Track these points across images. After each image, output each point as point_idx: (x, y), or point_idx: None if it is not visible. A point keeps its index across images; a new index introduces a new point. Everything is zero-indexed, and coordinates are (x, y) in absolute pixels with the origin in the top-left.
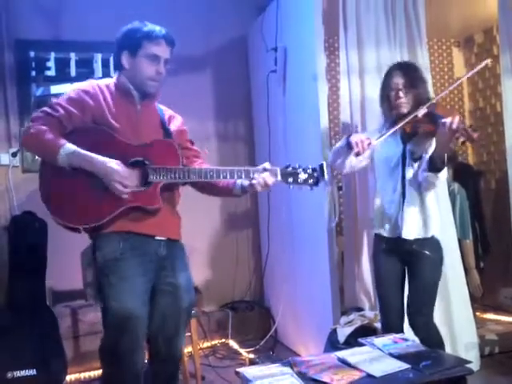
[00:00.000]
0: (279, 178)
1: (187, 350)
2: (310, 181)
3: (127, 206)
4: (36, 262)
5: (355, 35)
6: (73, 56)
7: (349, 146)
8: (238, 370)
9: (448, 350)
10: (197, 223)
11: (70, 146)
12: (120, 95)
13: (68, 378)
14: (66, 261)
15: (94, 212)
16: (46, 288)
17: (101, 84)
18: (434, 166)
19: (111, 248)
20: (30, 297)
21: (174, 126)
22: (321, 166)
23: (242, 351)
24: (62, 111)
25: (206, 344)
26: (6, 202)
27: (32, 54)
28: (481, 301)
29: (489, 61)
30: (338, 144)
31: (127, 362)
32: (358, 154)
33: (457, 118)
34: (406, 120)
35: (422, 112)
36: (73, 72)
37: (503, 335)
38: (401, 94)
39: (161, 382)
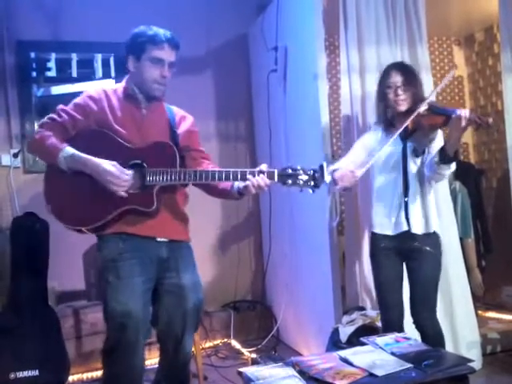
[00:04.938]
0: (276, 179)
1: None
2: (311, 183)
3: (124, 207)
4: (38, 262)
5: (355, 34)
6: (74, 56)
7: (335, 182)
8: (240, 369)
9: (450, 348)
10: (198, 223)
11: (68, 150)
12: (126, 99)
13: (70, 378)
14: (68, 261)
15: (91, 214)
16: (47, 288)
17: (108, 89)
18: (447, 157)
19: (110, 249)
20: (31, 297)
21: (183, 127)
22: (321, 167)
23: (244, 351)
24: (66, 117)
25: (208, 344)
26: (7, 203)
27: (33, 54)
28: (483, 299)
29: (454, 71)
30: (326, 179)
31: (126, 361)
32: (345, 189)
33: (467, 109)
34: (408, 121)
35: (423, 108)
36: (74, 72)
37: (505, 333)
38: (399, 91)
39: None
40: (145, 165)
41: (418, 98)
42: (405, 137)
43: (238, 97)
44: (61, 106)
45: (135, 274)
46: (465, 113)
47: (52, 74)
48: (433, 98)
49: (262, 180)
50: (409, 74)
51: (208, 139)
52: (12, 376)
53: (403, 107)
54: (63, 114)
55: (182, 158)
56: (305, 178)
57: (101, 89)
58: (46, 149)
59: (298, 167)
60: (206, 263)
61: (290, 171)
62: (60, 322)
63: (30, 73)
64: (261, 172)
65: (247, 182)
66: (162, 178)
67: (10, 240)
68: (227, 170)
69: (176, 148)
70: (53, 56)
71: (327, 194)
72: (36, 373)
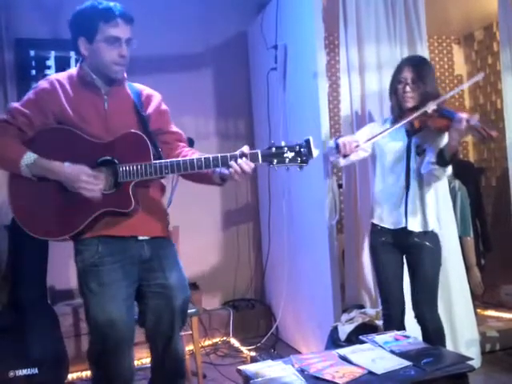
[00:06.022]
0: (261, 161)
1: (188, 348)
2: (298, 159)
3: (100, 211)
4: (37, 260)
5: (355, 32)
6: (73, 55)
7: (337, 148)
8: (239, 367)
9: (449, 346)
10: (197, 221)
11: (29, 156)
12: (84, 86)
13: (70, 376)
14: (68, 259)
15: (67, 222)
16: (47, 287)
17: (61, 78)
18: (443, 160)
19: (90, 253)
20: (31, 296)
21: (151, 108)
22: (307, 141)
23: (244, 349)
24: (20, 117)
25: (208, 342)
26: (7, 201)
27: (32, 52)
28: (482, 298)
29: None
30: (330, 144)
31: (114, 367)
32: (345, 156)
33: (476, 115)
34: (412, 117)
35: (431, 107)
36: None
37: (504, 332)
38: (408, 88)
39: (164, 381)
40: (116, 161)
41: (427, 97)
42: (411, 133)
43: (237, 95)
44: (13, 105)
45: (118, 279)
46: (468, 118)
47: (51, 72)
48: (444, 98)
49: (245, 164)
50: (421, 71)
51: (207, 137)
52: (11, 374)
53: (409, 104)
54: (17, 115)
55: (156, 147)
56: (291, 155)
57: (53, 78)
58: (4, 156)
59: (283, 143)
60: (205, 261)
61: (274, 150)
62: (59, 320)
63: (30, 71)
64: (243, 155)
65: (230, 169)
66: (137, 174)
67: (9, 238)
68: (206, 156)
69: (147, 136)
70: (52, 54)
71: (323, 166)
72: (35, 371)
